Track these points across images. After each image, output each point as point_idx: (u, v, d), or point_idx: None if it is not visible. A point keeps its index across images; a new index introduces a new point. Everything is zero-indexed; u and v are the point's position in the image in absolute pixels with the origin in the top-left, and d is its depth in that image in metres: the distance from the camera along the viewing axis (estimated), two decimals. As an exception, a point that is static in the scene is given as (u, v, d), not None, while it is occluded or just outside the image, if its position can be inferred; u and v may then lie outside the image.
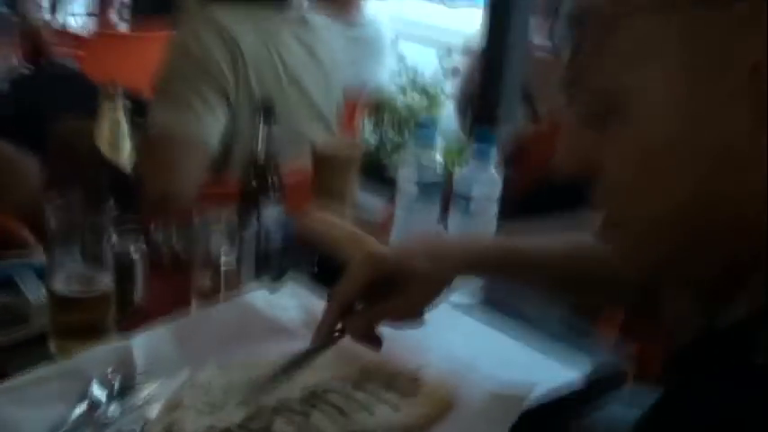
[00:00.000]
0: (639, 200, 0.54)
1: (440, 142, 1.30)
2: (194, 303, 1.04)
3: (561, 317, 1.11)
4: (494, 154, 1.21)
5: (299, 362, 0.84)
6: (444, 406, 0.88)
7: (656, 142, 0.52)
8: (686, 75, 0.49)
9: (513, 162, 1.24)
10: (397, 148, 3.32)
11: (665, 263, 0.56)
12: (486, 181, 1.20)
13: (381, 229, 1.30)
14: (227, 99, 1.41)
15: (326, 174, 1.41)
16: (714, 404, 0.50)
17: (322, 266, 1.19)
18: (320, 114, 1.57)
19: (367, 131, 3.31)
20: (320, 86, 1.56)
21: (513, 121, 2.18)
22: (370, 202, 1.43)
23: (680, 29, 0.49)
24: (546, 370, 1.01)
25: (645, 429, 0.55)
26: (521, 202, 1.28)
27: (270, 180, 1.14)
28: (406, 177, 1.26)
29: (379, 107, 3.31)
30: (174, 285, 1.03)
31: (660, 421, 0.54)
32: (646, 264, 0.57)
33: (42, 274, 1.05)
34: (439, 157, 1.26)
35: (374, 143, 3.43)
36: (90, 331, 0.92)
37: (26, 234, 1.38)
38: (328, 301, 0.84)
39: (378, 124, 3.48)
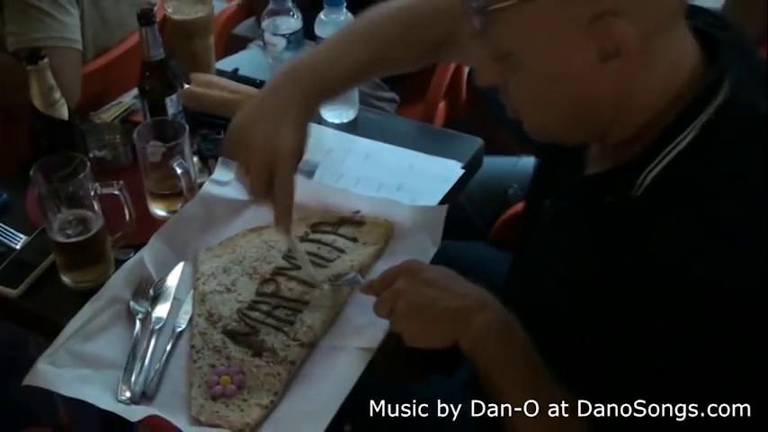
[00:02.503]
0: (531, 115, 0.84)
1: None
2: (153, 207, 1.23)
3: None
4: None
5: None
6: (388, 229, 1.18)
7: (536, 84, 0.80)
8: (547, 41, 0.76)
9: None
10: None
11: (557, 138, 0.87)
12: (342, 22, 1.39)
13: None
14: None
15: (180, 40, 1.52)
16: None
17: (227, 130, 1.38)
18: None
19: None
20: None
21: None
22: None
23: (537, 11, 0.74)
24: (441, 168, 1.32)
25: None
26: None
27: (169, 77, 1.28)
28: (269, 30, 1.43)
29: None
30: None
31: None
32: (539, 137, 0.89)
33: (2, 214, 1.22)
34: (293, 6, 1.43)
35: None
36: (96, 262, 1.11)
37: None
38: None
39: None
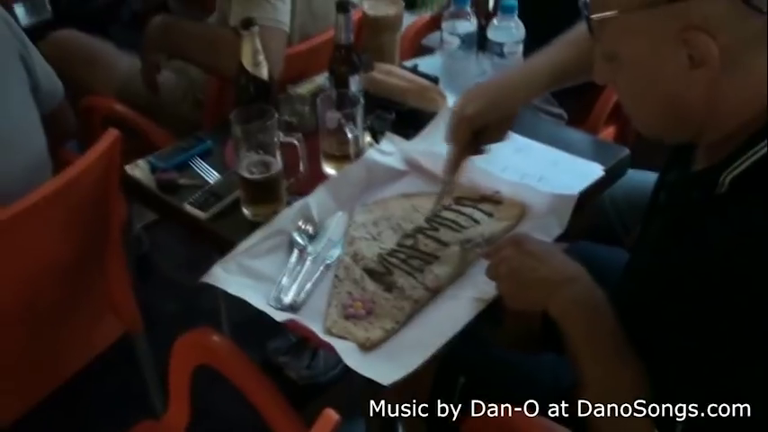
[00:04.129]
0: (634, 110, 0.94)
1: None
2: (325, 165, 1.44)
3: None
4: (516, 5, 1.55)
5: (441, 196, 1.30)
6: (522, 210, 1.32)
7: (636, 83, 0.90)
8: (643, 47, 0.86)
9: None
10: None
11: (657, 134, 0.97)
12: (513, 29, 1.55)
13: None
14: None
15: (371, 33, 1.73)
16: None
17: (398, 113, 1.58)
18: None
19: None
20: None
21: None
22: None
23: (637, 21, 0.85)
24: (583, 168, 1.43)
25: None
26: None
27: (354, 60, 1.48)
28: (447, 30, 1.61)
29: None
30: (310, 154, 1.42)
31: None
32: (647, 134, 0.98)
33: (205, 156, 1.46)
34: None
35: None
36: (271, 200, 1.33)
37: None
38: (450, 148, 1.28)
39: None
